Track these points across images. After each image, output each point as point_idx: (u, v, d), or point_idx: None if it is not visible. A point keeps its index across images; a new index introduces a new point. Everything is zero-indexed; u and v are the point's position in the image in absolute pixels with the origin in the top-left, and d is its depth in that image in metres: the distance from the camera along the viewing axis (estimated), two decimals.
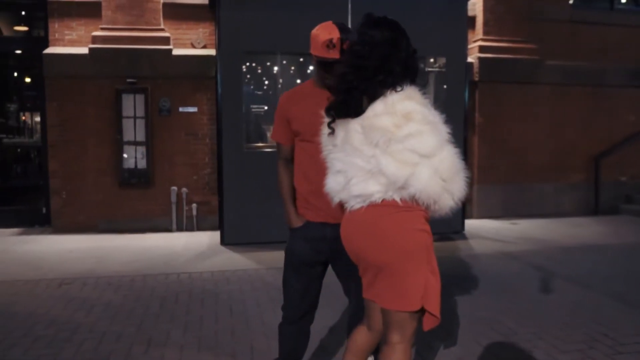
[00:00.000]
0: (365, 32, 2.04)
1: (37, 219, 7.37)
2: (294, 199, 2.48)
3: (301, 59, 7.36)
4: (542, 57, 8.08)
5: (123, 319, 3.86)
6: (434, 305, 1.98)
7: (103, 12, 7.00)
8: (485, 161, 8.03)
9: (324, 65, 2.27)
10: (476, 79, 7.89)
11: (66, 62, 6.89)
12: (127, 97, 6.99)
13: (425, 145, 1.87)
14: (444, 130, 1.95)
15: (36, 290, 4.59)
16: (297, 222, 2.43)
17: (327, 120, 2.11)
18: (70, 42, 7.10)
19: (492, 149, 8.05)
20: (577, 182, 8.49)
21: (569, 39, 8.32)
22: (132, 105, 7.01)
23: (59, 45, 7.04)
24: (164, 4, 7.19)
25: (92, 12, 7.05)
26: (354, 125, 2.01)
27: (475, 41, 8.06)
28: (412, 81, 2.03)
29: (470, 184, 7.80)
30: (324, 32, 2.23)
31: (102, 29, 7.00)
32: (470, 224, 7.41)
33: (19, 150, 9.09)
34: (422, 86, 2.08)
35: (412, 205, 1.93)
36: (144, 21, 7.10)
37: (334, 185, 2.08)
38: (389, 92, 1.97)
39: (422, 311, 2.01)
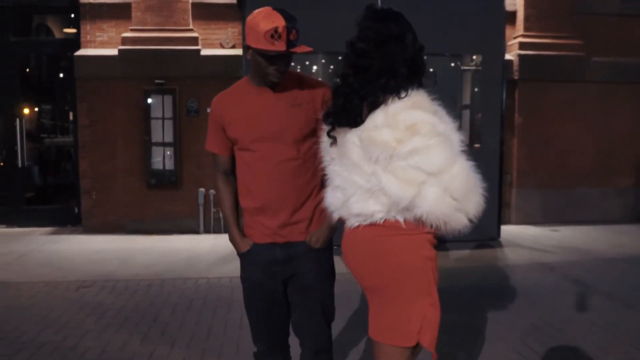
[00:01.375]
0: (369, 27, 1.78)
1: (70, 219, 7.48)
2: (239, 218, 2.19)
3: (335, 58, 7.17)
4: (588, 53, 7.58)
5: (131, 327, 3.78)
6: (430, 340, 1.74)
7: (133, 14, 7.02)
8: (524, 164, 7.61)
9: (267, 58, 1.94)
10: (516, 77, 7.49)
11: (96, 64, 6.94)
12: (155, 98, 6.99)
13: (432, 162, 1.63)
14: (456, 142, 1.70)
15: (54, 293, 4.59)
16: (243, 247, 2.14)
17: (325, 128, 1.87)
18: (101, 43, 7.15)
19: (532, 151, 7.62)
20: (625, 187, 7.94)
21: (617, 34, 7.77)
22: (161, 106, 7.00)
23: (90, 46, 7.11)
24: (193, 4, 7.15)
25: (123, 14, 7.07)
26: (352, 137, 1.77)
27: (515, 37, 7.65)
28: (420, 83, 1.78)
29: (509, 187, 7.50)
30: (266, 21, 1.90)
31: (132, 30, 7.02)
32: (508, 230, 7.02)
33: (57, 149, 9.28)
34: (432, 86, 1.82)
35: (417, 227, 1.71)
36: (172, 22, 7.07)
37: (333, 200, 1.87)
38: (391, 99, 1.72)
39: (416, 347, 1.77)
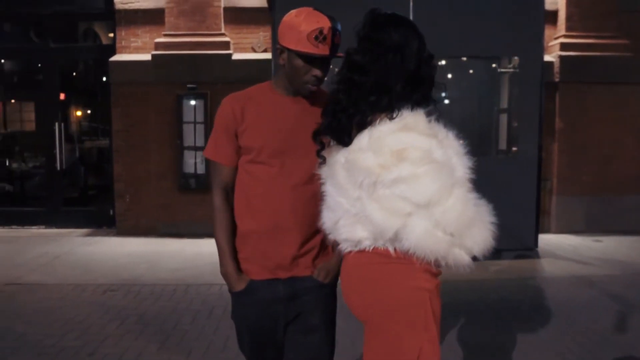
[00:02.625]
0: (368, 37, 1.60)
1: (105, 221, 7.62)
2: (234, 248, 1.88)
3: None
4: (635, 53, 7.17)
5: (150, 334, 3.78)
6: None
7: (166, 19, 7.09)
8: (566, 170, 7.27)
9: (307, 62, 1.73)
10: (557, 79, 7.17)
11: (130, 69, 7.06)
12: (187, 102, 7.04)
13: (420, 193, 1.47)
14: (460, 169, 1.52)
15: (82, 296, 4.66)
16: (239, 284, 1.85)
17: (318, 146, 1.73)
18: (135, 49, 7.26)
19: (574, 157, 7.27)
20: None
21: None
22: (192, 111, 7.04)
23: (125, 52, 7.23)
24: (225, 9, 7.17)
25: (156, 19, 7.16)
26: (340, 157, 1.62)
27: (556, 38, 7.33)
28: (424, 98, 1.59)
29: (549, 195, 7.18)
30: (309, 21, 1.69)
31: (165, 35, 7.10)
32: (547, 239, 6.72)
33: (96, 152, 9.51)
34: (431, 105, 1.61)
35: (410, 258, 1.54)
36: (205, 26, 7.11)
37: (326, 220, 1.71)
38: (379, 119, 1.55)
39: None
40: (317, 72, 1.75)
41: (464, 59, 7.15)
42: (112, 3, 7.17)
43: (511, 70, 6.84)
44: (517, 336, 3.71)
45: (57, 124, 7.57)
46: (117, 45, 7.25)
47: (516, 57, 6.48)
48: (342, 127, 1.60)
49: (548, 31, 7.08)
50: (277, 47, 1.81)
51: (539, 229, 6.44)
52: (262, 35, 7.28)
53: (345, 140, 1.60)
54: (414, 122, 1.52)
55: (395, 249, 1.54)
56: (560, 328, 3.88)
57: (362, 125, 1.57)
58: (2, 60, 8.82)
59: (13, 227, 7.65)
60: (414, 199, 1.47)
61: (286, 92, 1.84)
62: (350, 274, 1.67)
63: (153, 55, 7.01)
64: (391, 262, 1.56)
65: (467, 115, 8.13)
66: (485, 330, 3.84)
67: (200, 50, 7.01)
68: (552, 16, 7.24)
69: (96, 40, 8.21)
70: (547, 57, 7.01)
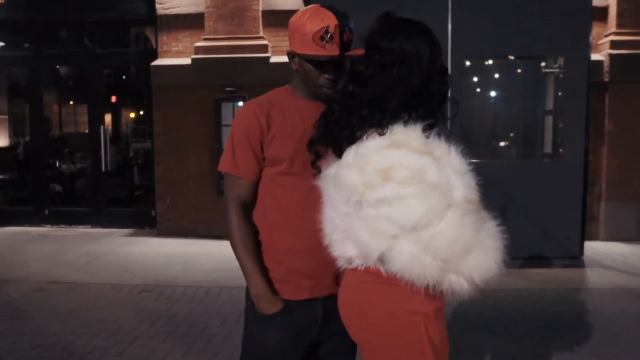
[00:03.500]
0: (374, 45, 1.46)
1: (147, 221, 7.81)
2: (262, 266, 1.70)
3: None
4: None
5: (178, 337, 3.82)
6: None
7: (206, 23, 7.19)
8: (615, 174, 6.91)
9: (317, 66, 1.61)
10: (606, 79, 6.82)
11: (171, 73, 7.20)
12: (226, 105, 7.11)
13: (405, 215, 1.34)
14: (460, 190, 1.36)
15: (117, 296, 4.77)
16: (274, 306, 1.67)
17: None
18: (176, 53, 7.41)
19: (625, 160, 6.89)
20: None
21: None
22: (231, 114, 7.10)
23: (166, 56, 7.38)
24: (263, 12, 7.20)
25: (197, 24, 7.28)
26: (331, 170, 1.53)
27: (606, 36, 6.97)
28: (425, 117, 1.45)
29: (597, 200, 6.84)
30: (313, 20, 1.56)
31: (204, 39, 7.20)
32: (594, 247, 6.40)
33: (140, 154, 9.76)
34: (431, 124, 1.45)
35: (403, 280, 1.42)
36: (243, 30, 7.17)
37: (326, 232, 1.58)
38: (367, 135, 1.44)
39: None
40: (328, 75, 1.62)
41: (511, 58, 6.92)
42: (154, 9, 7.34)
43: (556, 70, 6.58)
44: (554, 352, 3.53)
45: (102, 127, 7.82)
46: (159, 49, 7.41)
47: (561, 57, 6.23)
48: (333, 140, 1.51)
49: (597, 28, 6.75)
50: (287, 52, 1.70)
51: (586, 236, 6.15)
52: None
53: (336, 152, 1.51)
54: (405, 139, 1.40)
55: (385, 270, 1.43)
56: (602, 345, 3.66)
57: (351, 140, 1.47)
58: (57, 66, 9.21)
59: (62, 226, 7.96)
60: (400, 222, 1.35)
61: (306, 97, 1.72)
62: (344, 293, 1.58)
63: (193, 59, 7.13)
64: (382, 282, 1.45)
65: (512, 117, 7.89)
66: (519, 344, 3.67)
67: (239, 54, 7.07)
68: (602, 13, 6.90)
69: (140, 44, 8.42)
70: (595, 56, 6.70)
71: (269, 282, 1.68)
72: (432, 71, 1.46)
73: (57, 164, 8.84)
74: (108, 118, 8.35)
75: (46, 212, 8.04)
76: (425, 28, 1.50)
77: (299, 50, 1.62)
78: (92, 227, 7.90)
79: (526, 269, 5.47)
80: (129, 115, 10.43)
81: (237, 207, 1.70)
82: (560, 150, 6.28)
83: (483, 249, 1.38)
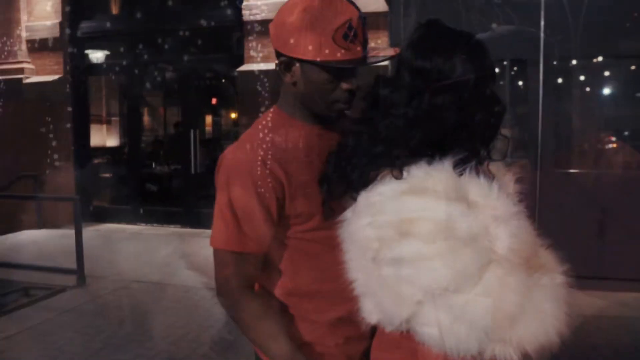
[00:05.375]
0: (406, 62, 1.17)
1: None
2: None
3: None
4: None
5: (238, 347, 3.81)
6: None
7: None
8: None
9: (335, 74, 1.24)
10: None
11: (256, 78, 7.29)
12: None
13: (429, 279, 1.05)
14: (505, 241, 1.06)
15: (192, 299, 4.90)
16: None
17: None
18: (263, 58, 7.50)
19: None
20: None
21: None
22: None
23: (252, 62, 7.50)
24: None
25: None
26: (347, 213, 1.23)
27: None
28: (475, 153, 1.15)
29: None
30: (329, 13, 1.19)
31: None
32: None
33: None
34: (464, 158, 1.13)
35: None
36: None
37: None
38: (381, 176, 1.15)
39: None
40: (349, 85, 1.25)
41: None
42: (240, 15, 7.49)
43: None
44: None
45: (192, 130, 8.14)
46: (245, 55, 7.55)
47: None
48: (346, 178, 1.22)
49: None
50: (278, 62, 1.30)
51: None
52: (381, 40, 7.07)
53: (350, 195, 1.22)
54: (428, 182, 1.09)
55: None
56: None
57: (363, 182, 1.18)
58: (155, 73, 9.73)
59: (155, 225, 8.39)
60: (424, 285, 1.07)
61: (308, 120, 1.34)
62: (375, 351, 1.31)
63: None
64: (409, 343, 1.16)
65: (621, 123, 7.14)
66: None
67: None
68: None
69: (228, 50, 8.65)
70: None
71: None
72: (477, 101, 1.16)
73: (153, 165, 9.34)
74: (199, 121, 8.67)
75: (141, 210, 8.52)
76: (475, 45, 1.17)
77: (311, 56, 1.21)
78: (181, 227, 8.24)
79: (615, 292, 4.85)
80: (218, 119, 10.80)
81: (245, 291, 1.31)
82: None
83: (536, 314, 1.07)
